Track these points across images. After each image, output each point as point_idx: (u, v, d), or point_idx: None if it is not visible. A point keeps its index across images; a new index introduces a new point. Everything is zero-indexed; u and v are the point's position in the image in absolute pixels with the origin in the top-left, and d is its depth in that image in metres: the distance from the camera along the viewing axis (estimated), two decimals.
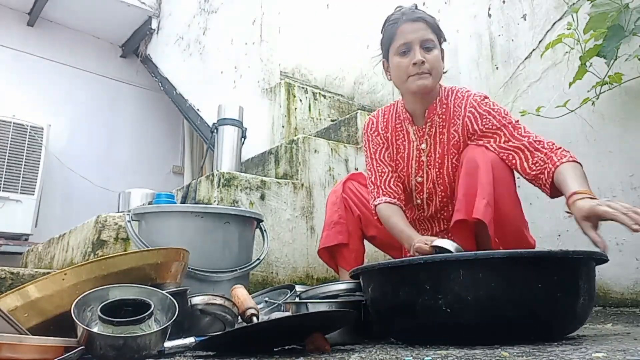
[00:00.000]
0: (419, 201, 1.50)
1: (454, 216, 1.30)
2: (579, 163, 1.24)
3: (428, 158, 1.44)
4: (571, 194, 1.13)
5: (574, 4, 1.71)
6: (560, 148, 1.29)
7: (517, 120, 1.37)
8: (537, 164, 1.28)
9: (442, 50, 1.41)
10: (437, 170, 1.43)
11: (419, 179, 1.47)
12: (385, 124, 1.52)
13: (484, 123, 1.37)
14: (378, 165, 1.51)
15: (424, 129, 1.44)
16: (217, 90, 3.50)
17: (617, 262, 1.68)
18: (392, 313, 1.06)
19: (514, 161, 1.32)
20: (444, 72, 1.43)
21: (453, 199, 1.41)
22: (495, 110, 1.38)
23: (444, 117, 1.41)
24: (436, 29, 1.39)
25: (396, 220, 1.41)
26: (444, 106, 1.42)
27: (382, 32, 1.44)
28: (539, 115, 1.89)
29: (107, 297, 0.94)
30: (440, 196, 1.46)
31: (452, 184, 1.42)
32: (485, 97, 1.41)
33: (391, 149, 1.50)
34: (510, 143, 1.32)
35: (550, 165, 1.25)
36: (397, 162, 1.49)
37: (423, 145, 1.44)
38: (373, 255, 1.93)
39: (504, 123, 1.35)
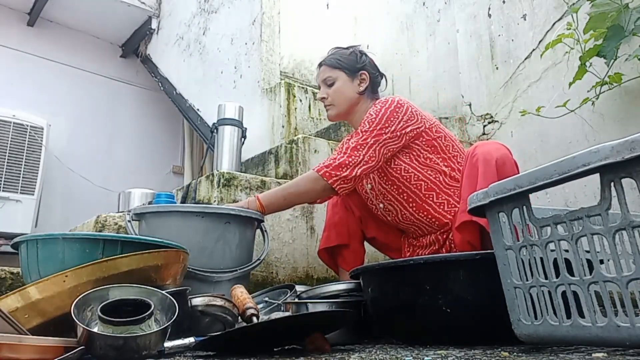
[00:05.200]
0: (381, 205, 1.57)
1: (459, 217, 1.31)
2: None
3: None
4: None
5: (574, 4, 1.71)
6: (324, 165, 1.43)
7: (370, 130, 1.42)
8: None
9: (353, 77, 1.57)
10: (377, 174, 1.52)
11: (369, 186, 1.58)
12: None
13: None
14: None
15: None
16: (217, 90, 3.50)
17: None
18: (392, 313, 1.06)
19: None
20: (361, 93, 1.57)
21: (417, 200, 1.47)
22: (371, 116, 1.45)
23: None
24: (337, 64, 1.58)
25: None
26: None
27: None
28: (539, 115, 1.89)
29: (107, 297, 0.94)
30: (397, 198, 1.50)
31: (399, 184, 1.49)
32: (384, 102, 1.46)
33: None
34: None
35: None
36: None
37: None
38: (373, 255, 1.93)
39: (363, 129, 1.44)
